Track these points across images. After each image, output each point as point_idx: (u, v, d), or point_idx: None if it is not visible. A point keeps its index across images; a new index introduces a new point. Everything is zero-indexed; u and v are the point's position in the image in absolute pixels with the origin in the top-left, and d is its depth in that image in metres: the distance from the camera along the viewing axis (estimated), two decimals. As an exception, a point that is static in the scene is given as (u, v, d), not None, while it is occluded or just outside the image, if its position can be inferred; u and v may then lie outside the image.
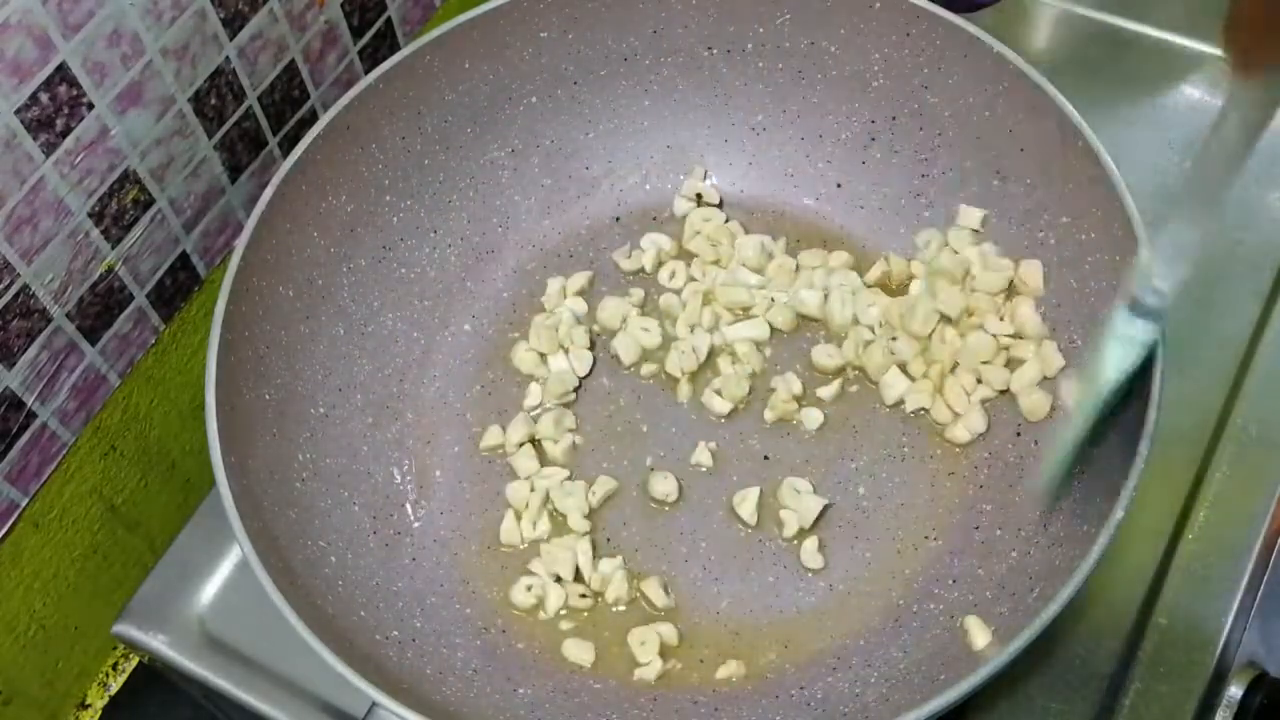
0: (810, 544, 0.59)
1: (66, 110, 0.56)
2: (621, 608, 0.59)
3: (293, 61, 0.68)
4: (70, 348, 0.62)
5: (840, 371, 0.64)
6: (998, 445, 0.61)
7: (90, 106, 0.57)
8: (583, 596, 0.59)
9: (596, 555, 0.60)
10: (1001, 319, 0.62)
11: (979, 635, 0.54)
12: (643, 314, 0.66)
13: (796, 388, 0.63)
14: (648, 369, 0.65)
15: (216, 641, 0.61)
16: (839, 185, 0.68)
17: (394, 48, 0.74)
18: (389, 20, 0.74)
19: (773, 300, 0.65)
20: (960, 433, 0.61)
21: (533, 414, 0.64)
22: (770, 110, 0.68)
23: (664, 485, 0.61)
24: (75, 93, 0.56)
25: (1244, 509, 0.61)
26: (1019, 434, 0.60)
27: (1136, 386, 0.52)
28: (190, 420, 0.72)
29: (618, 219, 0.70)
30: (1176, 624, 0.58)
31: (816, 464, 0.62)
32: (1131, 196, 0.55)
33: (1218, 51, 0.75)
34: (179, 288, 0.68)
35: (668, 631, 0.58)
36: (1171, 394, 0.52)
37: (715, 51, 0.67)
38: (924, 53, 0.62)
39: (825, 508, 0.60)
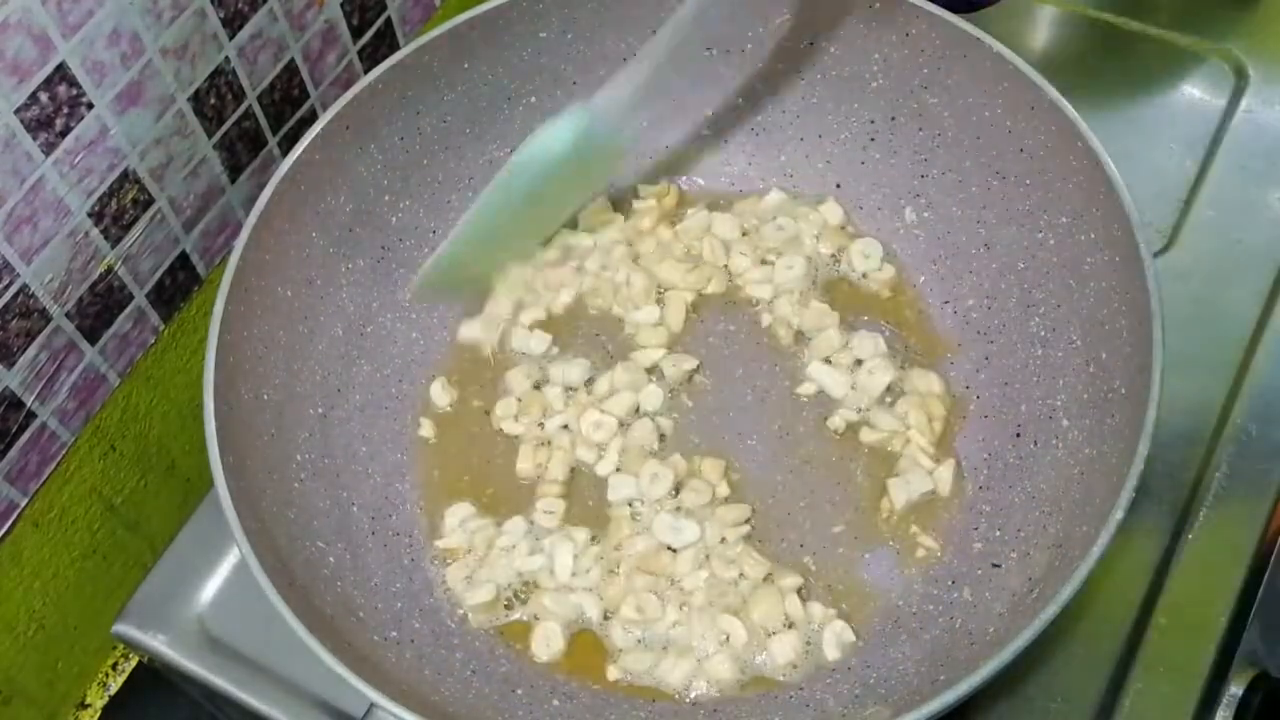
0: None
1: (66, 110, 0.56)
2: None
3: (292, 61, 0.68)
4: (70, 347, 0.62)
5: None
6: (998, 445, 0.61)
7: (90, 106, 0.57)
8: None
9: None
10: None
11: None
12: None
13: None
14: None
15: (216, 641, 0.61)
16: (839, 185, 0.68)
17: (394, 48, 0.74)
18: (389, 20, 0.74)
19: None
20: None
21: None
22: (770, 110, 0.68)
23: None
24: (75, 92, 0.56)
25: (1244, 509, 0.61)
26: (1019, 434, 0.60)
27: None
28: (190, 420, 0.72)
29: (617, 219, 0.70)
30: (1176, 624, 0.58)
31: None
32: (1131, 196, 0.55)
33: (1217, 50, 0.75)
34: (179, 287, 0.68)
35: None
36: (1171, 394, 0.52)
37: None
38: (924, 53, 0.62)
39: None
